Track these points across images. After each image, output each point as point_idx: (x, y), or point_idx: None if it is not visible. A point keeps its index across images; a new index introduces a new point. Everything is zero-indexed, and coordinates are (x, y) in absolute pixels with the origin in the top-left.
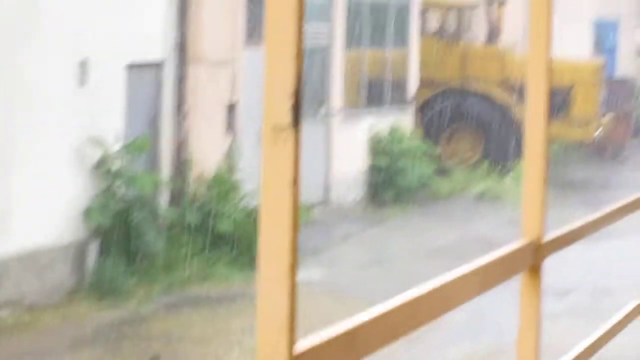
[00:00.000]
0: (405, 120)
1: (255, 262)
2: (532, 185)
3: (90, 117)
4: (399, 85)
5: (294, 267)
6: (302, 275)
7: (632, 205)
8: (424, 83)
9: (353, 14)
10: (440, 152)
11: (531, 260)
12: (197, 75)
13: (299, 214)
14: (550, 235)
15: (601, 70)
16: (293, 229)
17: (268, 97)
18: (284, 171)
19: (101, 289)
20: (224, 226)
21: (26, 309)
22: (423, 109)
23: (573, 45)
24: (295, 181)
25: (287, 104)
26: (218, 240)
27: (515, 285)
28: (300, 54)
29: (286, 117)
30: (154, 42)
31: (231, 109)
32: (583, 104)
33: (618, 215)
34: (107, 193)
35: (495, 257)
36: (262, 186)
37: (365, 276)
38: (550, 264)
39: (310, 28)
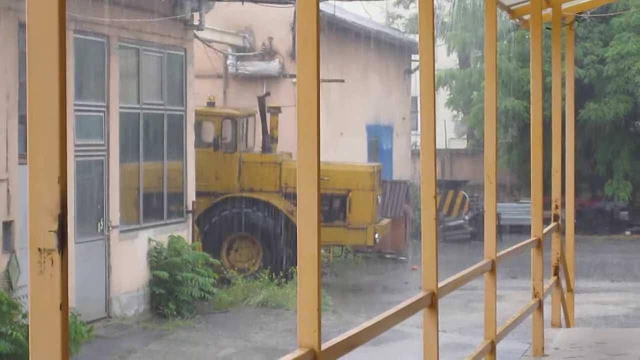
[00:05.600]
0: (184, 232)
1: None
2: (307, 293)
3: None
4: (177, 197)
5: None
6: None
7: (408, 308)
8: (202, 194)
9: (128, 127)
10: (221, 262)
11: None
12: None
13: (68, 338)
14: (328, 343)
15: (377, 174)
16: (63, 353)
17: (32, 220)
18: (52, 296)
19: None
20: (4, 346)
21: None
22: (202, 219)
23: (350, 150)
24: (64, 305)
25: (52, 227)
26: None
27: None
28: (64, 177)
29: (52, 241)
30: None
31: (7, 226)
32: (360, 209)
33: (395, 319)
34: None
35: None
36: (30, 311)
37: None
38: None
39: (85, 142)
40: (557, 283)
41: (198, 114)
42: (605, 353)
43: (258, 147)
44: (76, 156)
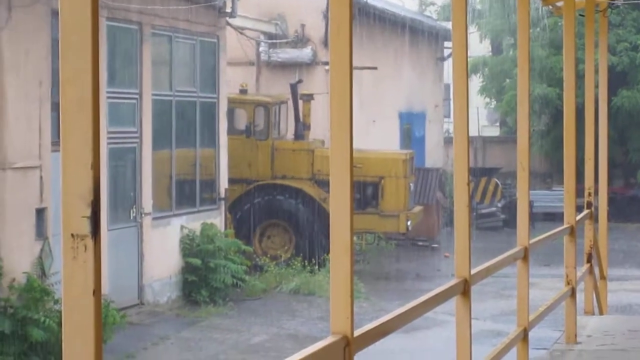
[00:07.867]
0: (217, 219)
1: None
2: (340, 280)
3: None
4: (209, 184)
5: None
6: None
7: (441, 295)
8: (235, 181)
9: (160, 114)
10: (253, 250)
11: (342, 356)
12: (2, 181)
13: (101, 324)
14: (360, 330)
15: (409, 162)
16: (96, 339)
17: (65, 206)
18: (85, 281)
19: None
20: (37, 333)
21: None
22: (235, 206)
23: (383, 137)
24: (97, 291)
25: (85, 213)
26: (31, 349)
27: None
28: (97, 163)
29: (85, 226)
30: None
31: (40, 213)
32: (393, 196)
33: (428, 306)
34: None
35: (305, 355)
36: (63, 297)
37: None
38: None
39: (117, 129)
40: (590, 271)
41: (230, 101)
42: (639, 340)
43: (290, 135)
44: (109, 143)
